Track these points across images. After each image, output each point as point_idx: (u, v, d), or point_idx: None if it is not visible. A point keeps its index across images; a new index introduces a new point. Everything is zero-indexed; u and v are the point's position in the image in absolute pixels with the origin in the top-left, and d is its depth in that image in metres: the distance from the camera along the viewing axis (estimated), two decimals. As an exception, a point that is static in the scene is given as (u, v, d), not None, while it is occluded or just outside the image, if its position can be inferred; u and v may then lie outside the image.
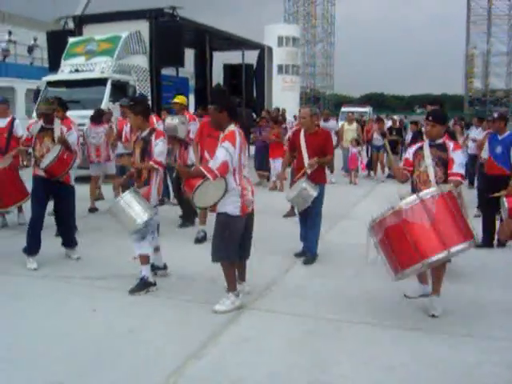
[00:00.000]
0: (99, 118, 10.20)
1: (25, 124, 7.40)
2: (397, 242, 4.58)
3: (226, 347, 4.38)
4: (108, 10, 16.78)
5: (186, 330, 4.70)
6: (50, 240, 7.01)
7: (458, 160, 5.11)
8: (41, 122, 6.71)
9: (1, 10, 38.45)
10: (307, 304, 5.35)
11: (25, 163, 8.10)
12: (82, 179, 10.43)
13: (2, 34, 29.75)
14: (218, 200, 4.92)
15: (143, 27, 15.82)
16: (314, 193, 6.55)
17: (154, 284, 5.64)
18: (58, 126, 6.65)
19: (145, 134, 5.69)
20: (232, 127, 4.98)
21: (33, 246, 6.48)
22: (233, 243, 5.04)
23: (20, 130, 8.17)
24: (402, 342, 4.53)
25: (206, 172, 4.80)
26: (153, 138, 5.61)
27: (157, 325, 4.81)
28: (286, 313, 5.13)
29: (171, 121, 8.17)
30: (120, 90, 14.49)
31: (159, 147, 5.58)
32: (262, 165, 13.62)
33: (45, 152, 6.54)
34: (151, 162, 5.54)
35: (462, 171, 5.14)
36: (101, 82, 14.37)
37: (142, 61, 15.86)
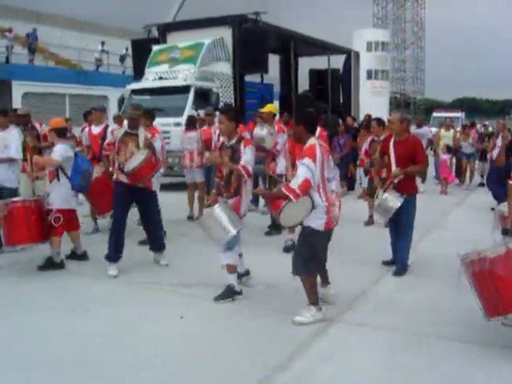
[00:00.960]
0: (191, 123, 10.34)
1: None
2: (483, 288, 4.40)
3: (313, 360, 4.31)
4: (196, 16, 17.08)
5: (272, 341, 4.66)
6: (139, 246, 7.29)
7: None
8: (125, 127, 6.83)
9: (94, 22, 40.30)
10: (397, 317, 5.18)
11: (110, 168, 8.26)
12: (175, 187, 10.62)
13: (95, 44, 31.41)
14: (303, 218, 4.90)
15: (226, 34, 15.87)
16: (395, 204, 6.35)
17: (240, 293, 5.68)
18: (142, 133, 6.74)
19: (233, 141, 5.67)
20: (312, 141, 4.89)
21: (114, 253, 6.62)
22: (315, 258, 5.01)
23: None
24: (501, 362, 4.24)
25: (287, 193, 4.76)
26: (241, 146, 5.58)
27: (243, 334, 4.83)
28: (374, 326, 4.99)
29: (260, 131, 8.13)
30: (203, 97, 14.57)
31: (247, 156, 5.54)
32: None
33: (128, 157, 6.56)
34: (239, 167, 5.49)
35: None
36: (184, 89, 14.46)
37: (225, 67, 15.88)
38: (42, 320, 5.18)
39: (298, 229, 5.28)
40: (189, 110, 13.88)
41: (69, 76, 27.25)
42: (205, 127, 10.24)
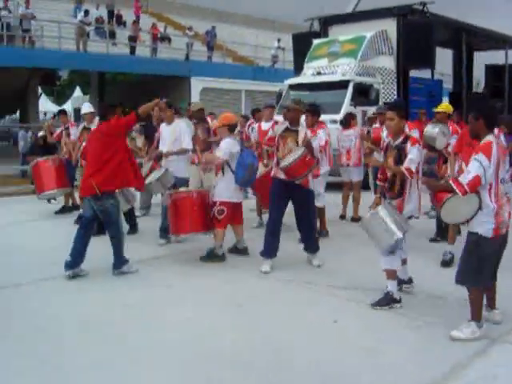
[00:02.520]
0: (347, 121, 10.18)
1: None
2: None
3: (471, 383, 4.06)
4: (369, 7, 16.33)
5: (427, 357, 4.47)
6: (295, 244, 7.37)
7: None
8: (287, 123, 6.96)
9: (271, 19, 41.88)
10: None
11: (265, 162, 8.56)
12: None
13: (272, 41, 32.86)
14: (468, 218, 4.68)
15: (390, 26, 15.14)
16: None
17: (399, 301, 5.54)
18: (302, 130, 6.84)
19: (398, 141, 5.57)
20: (489, 138, 4.66)
21: (269, 250, 6.83)
22: (482, 268, 4.73)
23: None
24: None
25: (454, 186, 4.55)
26: (408, 145, 5.46)
27: (397, 347, 4.68)
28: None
29: (432, 129, 7.82)
30: (362, 93, 14.14)
31: (412, 154, 5.41)
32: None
33: (286, 153, 6.71)
34: (402, 169, 5.38)
35: None
36: (342, 85, 14.03)
37: (387, 62, 15.16)
38: (196, 314, 5.36)
39: (458, 240, 5.24)
40: (347, 107, 13.50)
41: (245, 72, 28.44)
42: (376, 125, 10.08)
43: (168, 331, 4.96)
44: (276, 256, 6.87)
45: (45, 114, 36.16)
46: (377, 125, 10.03)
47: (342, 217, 9.99)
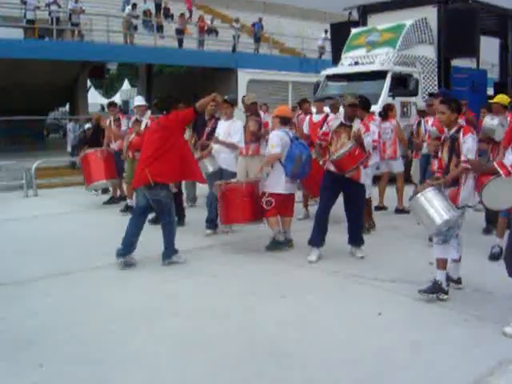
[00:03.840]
0: (385, 113, 10.04)
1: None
2: None
3: None
4: None
5: (473, 352, 4.35)
6: (343, 236, 7.24)
7: None
8: (341, 118, 6.93)
9: (319, 9, 41.55)
10: None
11: (314, 156, 8.54)
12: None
13: (319, 32, 32.24)
14: (510, 204, 4.59)
15: (431, 13, 14.57)
16: None
17: (447, 292, 5.41)
18: (356, 125, 6.78)
19: (452, 131, 5.46)
20: None
21: (316, 239, 6.85)
22: None
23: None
24: None
25: (498, 167, 4.44)
26: (460, 135, 5.34)
27: (444, 341, 4.56)
28: None
29: (491, 120, 7.66)
30: (401, 83, 13.70)
31: (468, 144, 5.27)
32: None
33: (338, 147, 6.73)
34: (462, 165, 5.23)
35: None
36: (380, 74, 13.59)
37: (428, 51, 14.64)
38: (240, 305, 5.40)
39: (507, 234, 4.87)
40: (385, 98, 13.12)
41: (292, 64, 28.24)
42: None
43: (213, 322, 4.97)
44: (323, 246, 6.87)
45: (102, 107, 36.32)
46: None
47: (378, 208, 9.73)
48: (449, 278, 5.62)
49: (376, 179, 9.55)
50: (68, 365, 4.20)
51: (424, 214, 5.22)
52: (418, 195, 5.30)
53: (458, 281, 5.74)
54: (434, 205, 5.13)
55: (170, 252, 6.74)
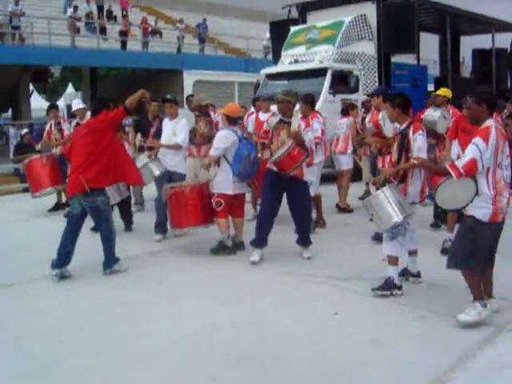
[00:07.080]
0: (346, 110, 10.01)
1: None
2: None
3: (478, 373, 3.88)
4: None
5: (433, 348, 4.26)
6: (290, 235, 7.06)
7: None
8: (279, 115, 6.74)
9: (262, 11, 42.79)
10: None
11: (259, 155, 8.15)
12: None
13: (263, 32, 30.83)
14: (464, 204, 4.47)
15: (370, 10, 14.33)
16: None
17: (400, 288, 5.33)
18: (296, 121, 6.55)
19: (403, 127, 5.41)
20: (489, 122, 4.49)
21: (259, 239, 6.63)
22: (474, 251, 4.52)
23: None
24: None
25: (449, 169, 4.38)
26: (410, 131, 5.29)
27: (402, 338, 4.48)
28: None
29: (433, 112, 7.60)
30: (342, 80, 13.46)
31: (418, 143, 5.22)
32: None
33: (279, 145, 6.52)
34: (412, 160, 5.18)
35: None
36: (320, 72, 13.24)
37: (368, 48, 14.39)
38: (195, 309, 5.21)
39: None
40: (325, 95, 12.86)
41: (237, 64, 27.87)
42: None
43: (167, 328, 4.76)
44: (266, 246, 6.64)
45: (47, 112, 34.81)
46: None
47: (342, 209, 9.46)
48: (408, 273, 5.61)
49: (332, 178, 9.41)
50: (15, 378, 3.95)
51: (381, 211, 5.13)
52: (376, 193, 5.29)
53: (418, 275, 5.67)
54: (392, 203, 5.08)
55: (110, 261, 6.32)
